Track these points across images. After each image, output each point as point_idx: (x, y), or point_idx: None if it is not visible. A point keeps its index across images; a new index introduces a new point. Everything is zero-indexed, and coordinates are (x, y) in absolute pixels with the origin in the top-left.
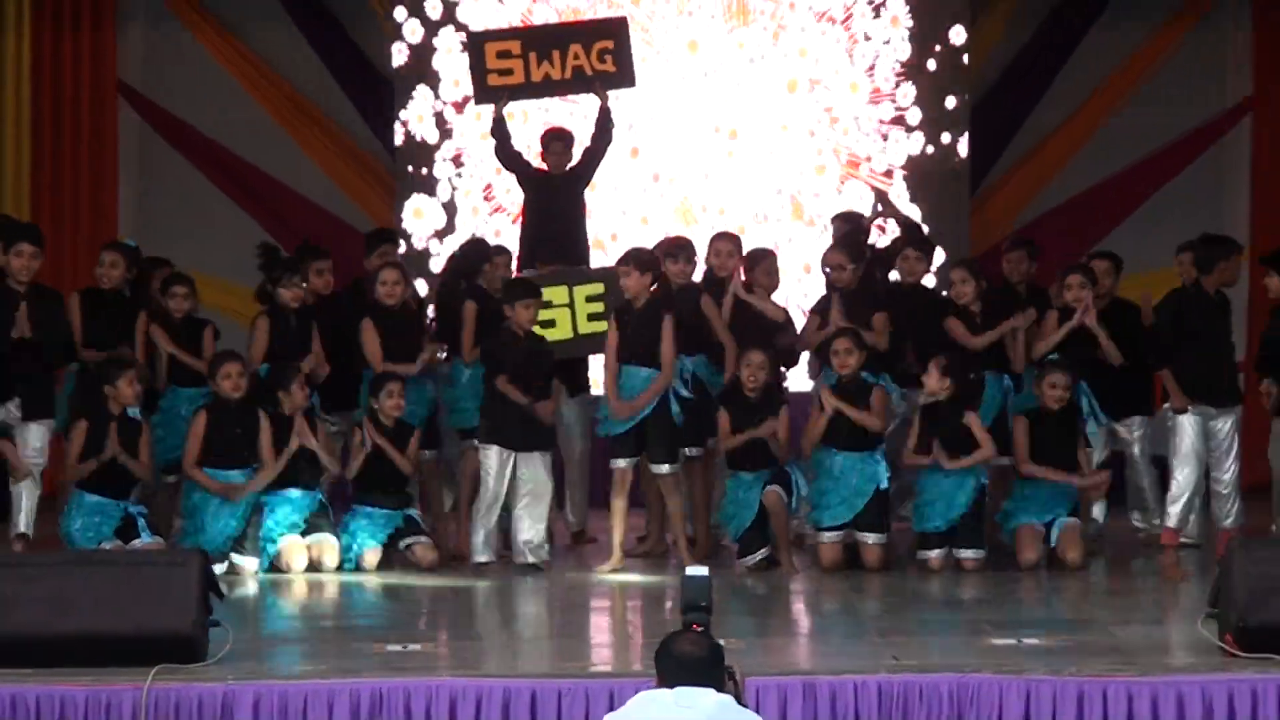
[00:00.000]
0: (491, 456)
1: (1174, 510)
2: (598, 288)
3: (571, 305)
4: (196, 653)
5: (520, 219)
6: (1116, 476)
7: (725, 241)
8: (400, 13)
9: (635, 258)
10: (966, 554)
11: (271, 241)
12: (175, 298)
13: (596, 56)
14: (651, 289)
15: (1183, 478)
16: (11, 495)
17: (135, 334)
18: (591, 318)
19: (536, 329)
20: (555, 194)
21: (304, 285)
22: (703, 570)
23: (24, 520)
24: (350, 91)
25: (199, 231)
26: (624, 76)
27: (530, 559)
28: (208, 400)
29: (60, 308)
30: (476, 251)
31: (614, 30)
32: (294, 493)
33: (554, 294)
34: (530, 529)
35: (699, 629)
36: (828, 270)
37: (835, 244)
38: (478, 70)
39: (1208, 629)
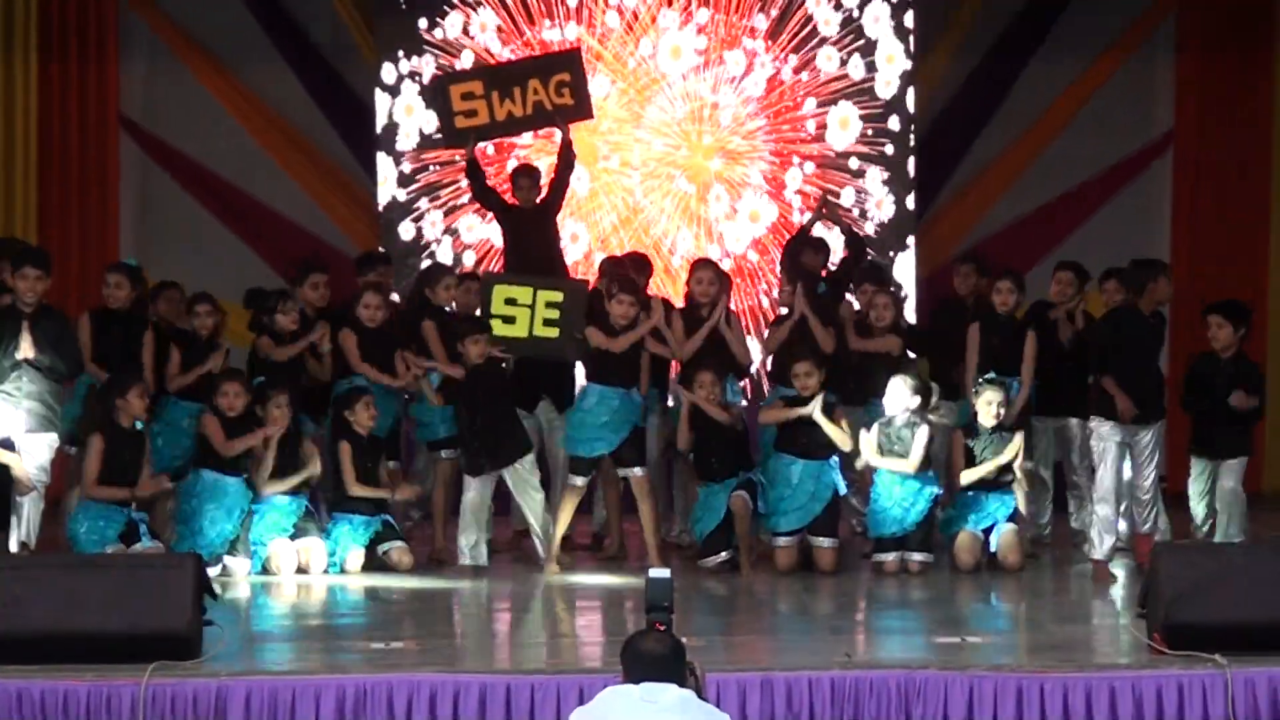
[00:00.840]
0: (472, 483)
1: (1103, 542)
2: (557, 296)
3: (533, 308)
4: (192, 650)
5: (502, 251)
6: (1058, 480)
7: (705, 269)
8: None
9: (633, 290)
10: (916, 558)
11: (256, 288)
12: (199, 315)
13: (554, 90)
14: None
15: (1106, 496)
16: (14, 505)
17: (143, 349)
18: (546, 323)
19: (498, 324)
20: (529, 226)
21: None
22: (665, 572)
23: (25, 530)
24: (334, 121)
25: (193, 254)
26: (581, 108)
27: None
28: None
29: (66, 327)
30: (437, 273)
31: (568, 62)
32: (281, 499)
33: (520, 293)
34: (535, 522)
35: (662, 628)
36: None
37: (786, 270)
38: (445, 113)
39: (1137, 628)
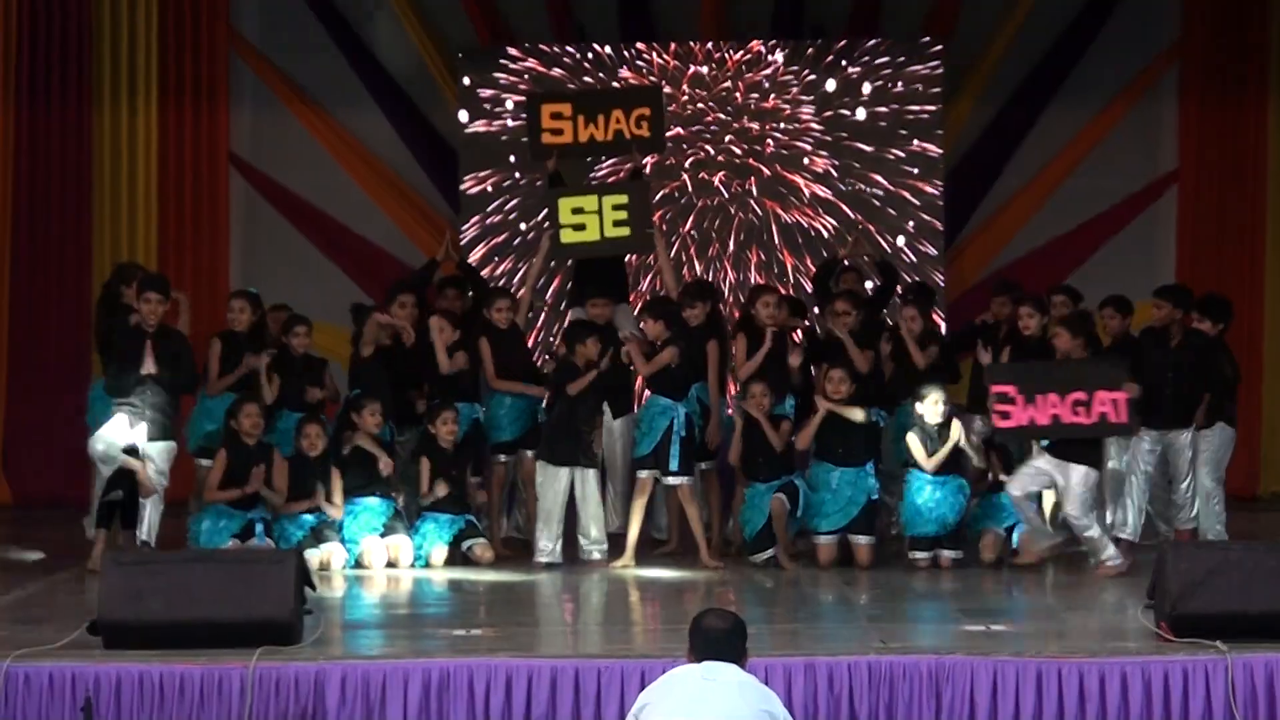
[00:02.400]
0: (553, 474)
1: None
2: (622, 198)
3: (600, 212)
4: (293, 637)
5: (572, 262)
6: None
7: (769, 294)
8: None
9: (650, 308)
10: (948, 554)
11: (360, 302)
12: (297, 336)
13: (634, 122)
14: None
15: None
16: (139, 507)
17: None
18: (616, 224)
19: (568, 233)
20: None
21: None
22: None
23: (147, 529)
24: (420, 159)
25: (294, 278)
26: (656, 142)
27: (595, 555)
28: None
29: (184, 345)
30: (493, 295)
31: (651, 98)
32: (373, 501)
33: (586, 201)
34: (595, 529)
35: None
36: (834, 315)
37: (841, 293)
38: (533, 128)
39: (1146, 618)
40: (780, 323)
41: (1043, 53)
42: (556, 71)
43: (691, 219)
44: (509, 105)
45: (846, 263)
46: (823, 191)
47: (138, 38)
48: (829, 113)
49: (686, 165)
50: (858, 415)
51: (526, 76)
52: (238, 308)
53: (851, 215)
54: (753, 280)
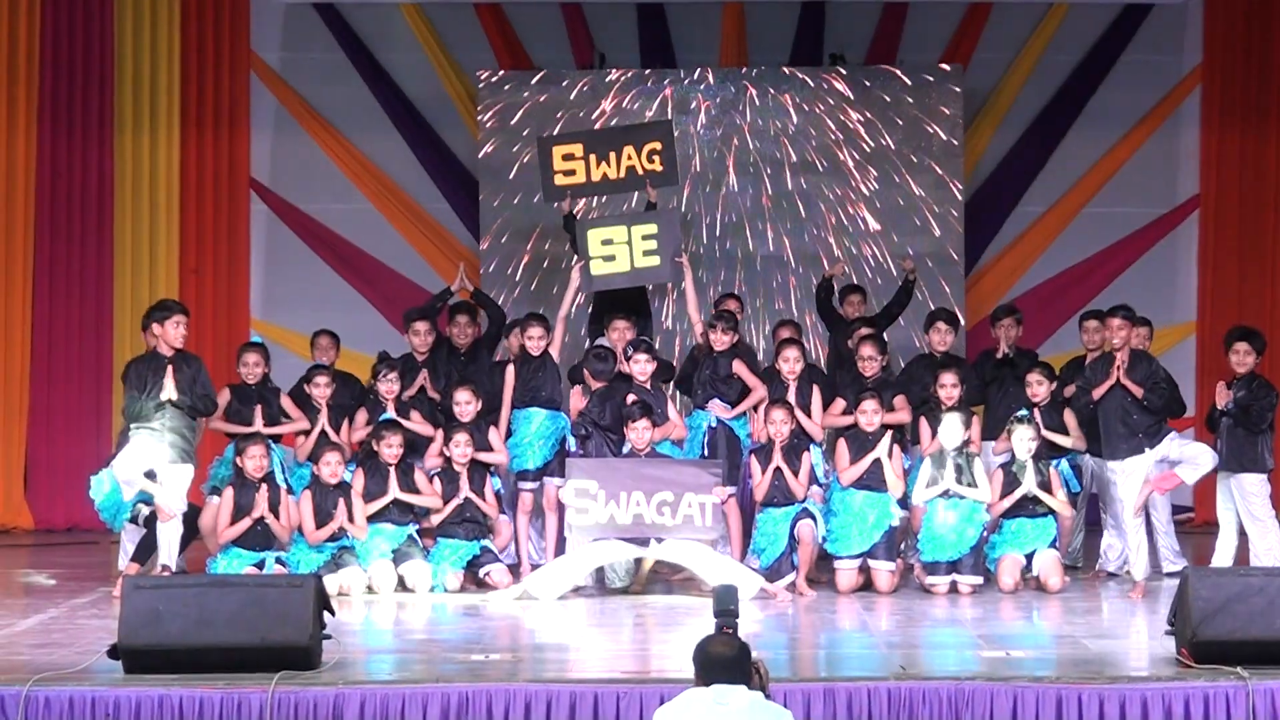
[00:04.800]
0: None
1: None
2: (651, 228)
3: (630, 243)
4: (312, 661)
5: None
6: (1094, 511)
7: (791, 348)
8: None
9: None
10: (967, 581)
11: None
12: (318, 387)
13: (646, 157)
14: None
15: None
16: (158, 533)
17: (280, 414)
18: (646, 254)
19: (598, 264)
20: None
21: (396, 379)
22: (731, 581)
23: (167, 554)
24: (440, 184)
25: (314, 303)
26: (669, 176)
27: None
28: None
29: (201, 370)
30: (526, 322)
31: (661, 132)
32: (386, 526)
33: (615, 232)
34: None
35: (728, 631)
36: (859, 361)
37: (866, 337)
38: (546, 170)
39: (1166, 644)
40: (800, 375)
41: (1063, 79)
42: (554, 87)
43: (702, 246)
44: (526, 130)
45: (840, 282)
46: (839, 216)
47: (159, 63)
48: (847, 139)
49: (701, 189)
50: (888, 472)
51: (543, 100)
52: (251, 361)
53: (870, 234)
54: (765, 305)
